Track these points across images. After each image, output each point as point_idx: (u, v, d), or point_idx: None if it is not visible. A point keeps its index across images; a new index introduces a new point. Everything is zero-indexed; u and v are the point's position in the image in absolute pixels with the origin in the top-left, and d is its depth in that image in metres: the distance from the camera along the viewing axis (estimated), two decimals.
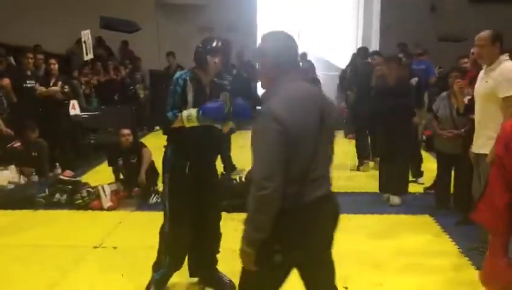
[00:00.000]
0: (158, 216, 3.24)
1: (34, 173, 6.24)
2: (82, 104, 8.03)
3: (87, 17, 9.66)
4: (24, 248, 4.14)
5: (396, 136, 5.15)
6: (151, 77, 11.11)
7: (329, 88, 11.42)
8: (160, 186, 3.62)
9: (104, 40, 11.52)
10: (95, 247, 4.16)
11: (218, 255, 3.33)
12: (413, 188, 5.71)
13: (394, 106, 5.09)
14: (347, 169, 6.93)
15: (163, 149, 3.20)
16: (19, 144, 6.28)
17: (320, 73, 11.58)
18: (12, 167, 5.92)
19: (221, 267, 3.34)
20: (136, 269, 3.54)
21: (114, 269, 3.67)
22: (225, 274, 3.31)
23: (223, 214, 3.40)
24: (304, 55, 10.98)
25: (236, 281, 2.36)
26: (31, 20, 10.09)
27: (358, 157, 6.99)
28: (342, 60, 11.21)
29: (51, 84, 6.73)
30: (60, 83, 6.76)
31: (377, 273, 3.63)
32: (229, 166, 6.38)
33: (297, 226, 2.00)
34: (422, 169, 6.21)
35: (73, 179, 5.92)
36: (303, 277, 2.21)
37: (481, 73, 3.79)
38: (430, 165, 6.09)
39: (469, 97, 4.36)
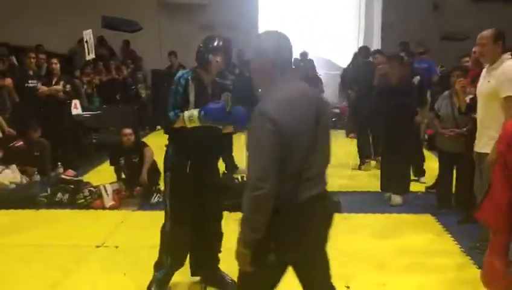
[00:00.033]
0: (160, 215, 3.24)
1: (36, 173, 6.25)
2: (84, 103, 8.05)
3: (87, 17, 9.66)
4: (26, 248, 4.15)
5: (398, 135, 5.14)
6: (153, 77, 11.11)
7: (330, 87, 11.43)
8: (162, 186, 3.63)
9: (106, 39, 11.53)
10: (97, 246, 4.16)
11: (219, 255, 3.33)
12: (414, 187, 5.70)
13: (396, 105, 5.08)
14: (348, 168, 6.92)
15: (165, 148, 3.20)
16: (21, 143, 6.29)
17: (321, 72, 11.60)
18: (14, 166, 5.92)
19: (223, 266, 3.34)
20: (138, 269, 3.55)
21: (116, 269, 3.67)
22: (227, 274, 3.31)
23: (225, 213, 3.40)
24: (305, 54, 10.99)
25: None
26: (31, 20, 10.11)
27: (359, 157, 6.99)
28: (344, 59, 11.19)
29: (53, 83, 6.74)
30: (62, 82, 6.78)
31: (379, 273, 3.63)
32: (231, 165, 6.38)
33: (291, 225, 2.01)
34: (424, 168, 6.21)
35: (75, 178, 5.93)
36: (299, 276, 2.22)
37: (483, 72, 3.78)
38: (431, 164, 6.08)
39: (471, 96, 4.35)
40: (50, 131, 6.58)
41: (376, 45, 12.14)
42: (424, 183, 5.95)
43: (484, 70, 3.77)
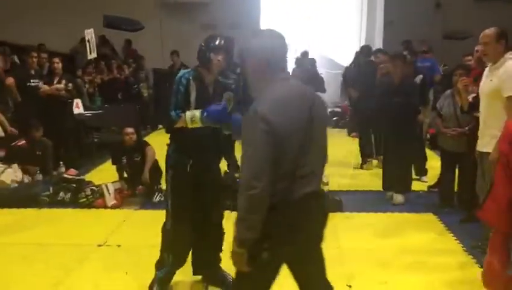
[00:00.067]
0: (162, 214, 3.25)
1: (38, 172, 6.26)
2: (86, 103, 8.06)
3: (87, 17, 9.67)
4: (28, 247, 4.16)
5: (401, 134, 5.14)
6: (155, 76, 11.11)
7: (332, 86, 11.42)
8: (163, 185, 3.63)
9: (108, 39, 11.54)
10: (99, 245, 4.17)
11: (221, 254, 3.34)
12: (417, 186, 5.70)
13: (399, 104, 5.07)
14: (350, 167, 6.93)
15: (167, 147, 3.21)
16: (23, 142, 6.30)
17: (323, 71, 11.58)
18: (16, 165, 5.93)
19: (224, 265, 3.34)
20: (140, 267, 3.55)
21: (118, 268, 3.68)
22: (229, 273, 3.31)
23: (226, 212, 3.40)
24: (305, 53, 10.97)
25: None
26: (31, 20, 10.13)
27: (361, 156, 6.98)
28: (345, 58, 11.18)
29: (55, 82, 6.75)
30: (63, 81, 6.79)
31: (381, 272, 3.62)
32: (233, 165, 6.38)
33: (286, 222, 2.01)
34: (426, 167, 6.20)
35: (77, 177, 5.93)
36: (294, 274, 2.23)
37: (486, 71, 3.77)
38: (434, 163, 6.07)
39: (473, 95, 4.34)
40: (52, 130, 6.59)
41: (378, 43, 12.12)
42: (426, 182, 5.94)
43: (487, 69, 3.76)
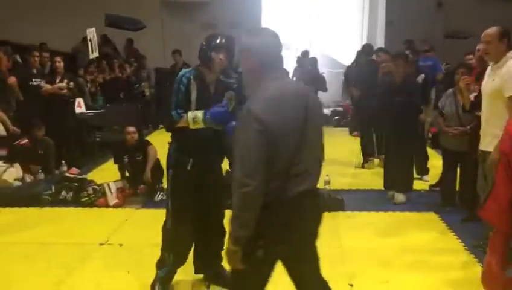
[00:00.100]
0: (164, 214, 3.25)
1: (40, 171, 6.28)
2: (88, 102, 8.07)
3: (88, 17, 9.66)
4: (30, 246, 4.17)
5: (402, 133, 5.13)
6: (157, 75, 11.12)
7: (334, 85, 11.41)
8: (165, 184, 3.64)
9: (110, 38, 11.54)
10: (101, 244, 4.18)
11: (223, 253, 3.34)
12: (418, 185, 5.70)
13: (400, 103, 5.07)
14: (352, 166, 6.93)
15: (168, 146, 3.21)
16: (25, 141, 6.31)
17: (325, 70, 11.58)
18: (18, 164, 5.95)
19: (226, 265, 3.34)
20: (142, 267, 3.55)
21: (120, 267, 3.68)
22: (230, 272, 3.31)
23: (227, 212, 3.39)
24: (306, 53, 10.97)
25: None
26: (33, 20, 10.14)
27: (363, 155, 6.98)
28: (347, 57, 11.18)
29: (57, 81, 6.77)
30: (65, 80, 6.80)
31: (383, 271, 3.62)
32: None
33: (280, 221, 2.02)
34: (427, 166, 6.19)
35: (79, 176, 5.93)
36: (289, 272, 2.23)
37: (488, 70, 3.76)
38: (435, 162, 6.07)
39: (475, 94, 4.33)
40: (54, 129, 6.60)
41: (379, 42, 12.12)
42: (428, 181, 5.93)
43: (489, 68, 3.75)
